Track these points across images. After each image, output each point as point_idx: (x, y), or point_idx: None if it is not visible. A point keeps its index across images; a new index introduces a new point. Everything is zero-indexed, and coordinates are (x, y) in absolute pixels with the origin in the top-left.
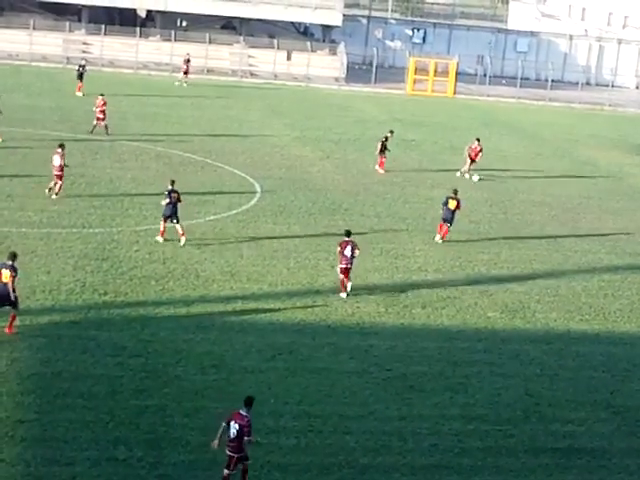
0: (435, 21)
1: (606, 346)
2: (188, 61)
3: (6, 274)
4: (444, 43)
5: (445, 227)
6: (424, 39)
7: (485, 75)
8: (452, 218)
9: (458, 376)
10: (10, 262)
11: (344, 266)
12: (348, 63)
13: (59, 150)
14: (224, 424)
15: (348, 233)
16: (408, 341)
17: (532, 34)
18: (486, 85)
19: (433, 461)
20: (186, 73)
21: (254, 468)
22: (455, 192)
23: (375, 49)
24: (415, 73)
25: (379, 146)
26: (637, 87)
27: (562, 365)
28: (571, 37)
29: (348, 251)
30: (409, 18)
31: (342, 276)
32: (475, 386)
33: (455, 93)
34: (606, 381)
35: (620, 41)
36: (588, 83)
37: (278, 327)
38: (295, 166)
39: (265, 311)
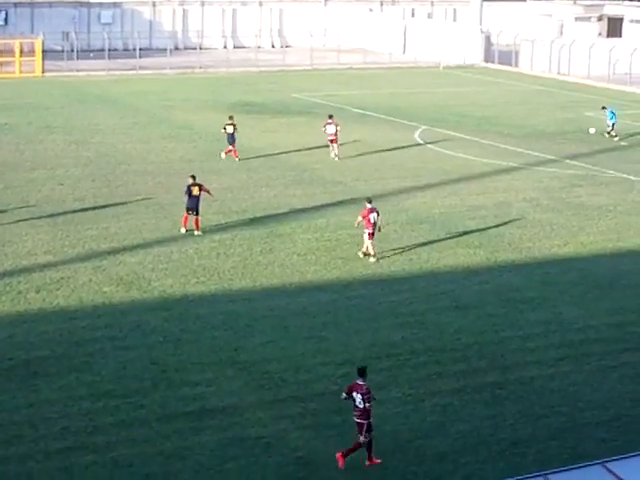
0: (16, 1)
1: (225, 305)
2: None
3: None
4: (27, 22)
5: (194, 217)
6: (6, 20)
7: (72, 50)
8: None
9: (82, 355)
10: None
11: None
12: None
13: None
14: (345, 394)
15: None
16: (26, 327)
17: (115, 5)
18: (74, 60)
19: (67, 444)
20: None
21: None
22: (194, 177)
23: None
24: (0, 56)
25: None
26: (225, 47)
27: (184, 329)
28: (154, 4)
29: None
30: None
31: None
32: (100, 363)
33: (44, 72)
34: (229, 339)
35: (203, 3)
36: (177, 48)
37: None
38: None
39: None
